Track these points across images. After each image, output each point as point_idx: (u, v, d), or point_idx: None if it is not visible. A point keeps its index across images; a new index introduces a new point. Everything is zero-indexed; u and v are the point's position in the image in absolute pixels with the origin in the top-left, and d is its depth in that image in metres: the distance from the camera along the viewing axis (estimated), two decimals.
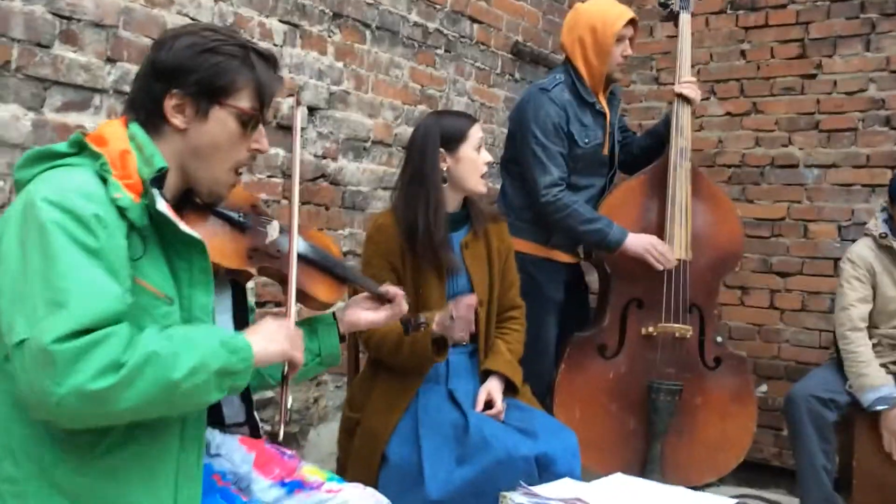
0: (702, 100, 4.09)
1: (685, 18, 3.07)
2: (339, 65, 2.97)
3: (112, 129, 1.37)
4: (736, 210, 3.11)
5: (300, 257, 1.58)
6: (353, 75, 3.03)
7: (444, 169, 2.28)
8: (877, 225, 3.09)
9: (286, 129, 2.78)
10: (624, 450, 2.95)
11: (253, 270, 1.56)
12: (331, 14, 2.92)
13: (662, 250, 2.89)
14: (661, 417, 2.92)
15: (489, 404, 2.26)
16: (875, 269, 3.05)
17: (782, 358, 3.90)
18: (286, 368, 1.47)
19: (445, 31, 3.46)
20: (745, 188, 4.01)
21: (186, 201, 1.47)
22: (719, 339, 3.04)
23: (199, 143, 1.39)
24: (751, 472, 3.56)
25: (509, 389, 2.33)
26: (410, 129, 3.28)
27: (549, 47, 4.14)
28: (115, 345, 1.19)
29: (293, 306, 1.51)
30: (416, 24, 3.31)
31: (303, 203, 2.87)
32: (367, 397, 2.25)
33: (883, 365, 3.03)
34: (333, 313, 1.75)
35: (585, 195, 3.01)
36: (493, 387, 2.28)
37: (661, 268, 2.90)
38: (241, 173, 1.48)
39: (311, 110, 2.88)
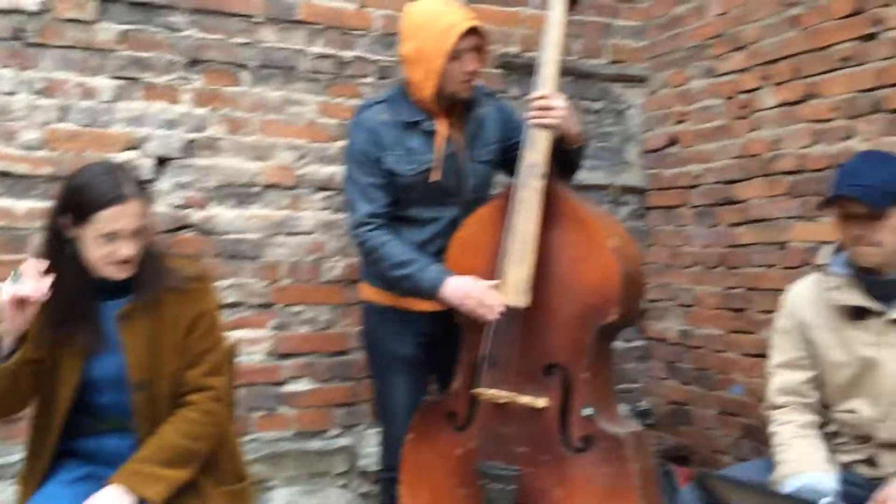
0: (754, 89, 3.11)
1: None
2: (200, 111, 2.89)
3: None
4: (608, 241, 2.26)
5: None
6: (225, 119, 2.92)
7: (69, 238, 1.82)
8: (825, 254, 2.04)
9: None
10: None
11: None
12: (184, 62, 2.87)
13: (478, 296, 2.26)
14: None
15: None
16: (807, 320, 2.01)
17: None
18: None
19: (373, 58, 3.15)
20: (806, 201, 2.92)
21: None
22: (588, 411, 2.23)
23: None
24: None
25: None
26: (327, 168, 3.09)
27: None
28: None
29: None
30: (321, 56, 3.07)
31: None
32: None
33: (847, 465, 1.98)
34: None
35: (433, 229, 2.48)
36: (104, 498, 1.75)
37: (487, 318, 2.27)
38: None
39: (162, 161, 2.84)
